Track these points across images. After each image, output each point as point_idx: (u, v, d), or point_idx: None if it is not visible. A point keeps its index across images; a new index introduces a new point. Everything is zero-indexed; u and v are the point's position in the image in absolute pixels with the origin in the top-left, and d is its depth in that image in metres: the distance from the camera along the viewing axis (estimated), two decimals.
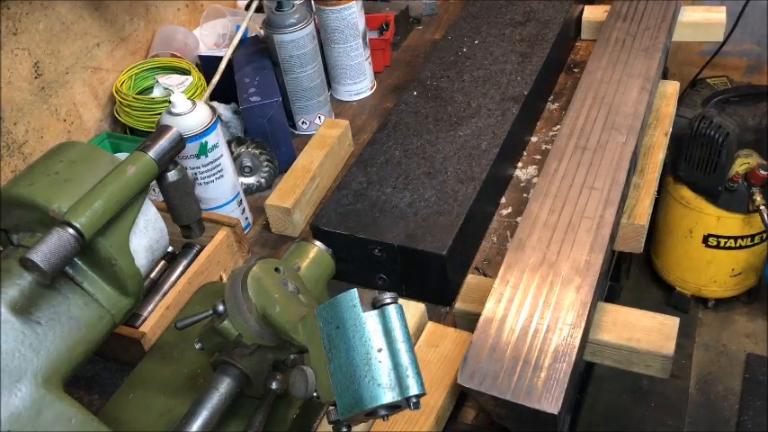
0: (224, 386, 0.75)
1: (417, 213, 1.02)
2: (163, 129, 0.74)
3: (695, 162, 1.93)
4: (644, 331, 0.89)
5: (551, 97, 1.39)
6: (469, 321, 0.93)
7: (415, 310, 0.95)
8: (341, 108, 1.45)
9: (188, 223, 0.80)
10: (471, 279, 0.99)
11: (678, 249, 2.17)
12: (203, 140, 1.05)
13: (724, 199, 1.95)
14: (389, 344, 0.62)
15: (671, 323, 0.90)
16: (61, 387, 0.65)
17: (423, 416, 0.83)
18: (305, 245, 0.88)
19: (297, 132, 1.39)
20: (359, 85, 1.45)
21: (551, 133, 1.30)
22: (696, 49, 2.23)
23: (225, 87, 1.31)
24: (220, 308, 0.72)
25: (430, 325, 0.95)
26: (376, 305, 0.63)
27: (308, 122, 1.38)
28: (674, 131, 1.29)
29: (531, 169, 1.23)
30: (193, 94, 1.31)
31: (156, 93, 1.36)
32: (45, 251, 0.61)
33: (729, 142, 1.84)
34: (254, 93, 1.27)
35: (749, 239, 2.04)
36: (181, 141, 0.74)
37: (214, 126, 1.07)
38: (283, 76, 1.33)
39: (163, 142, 0.72)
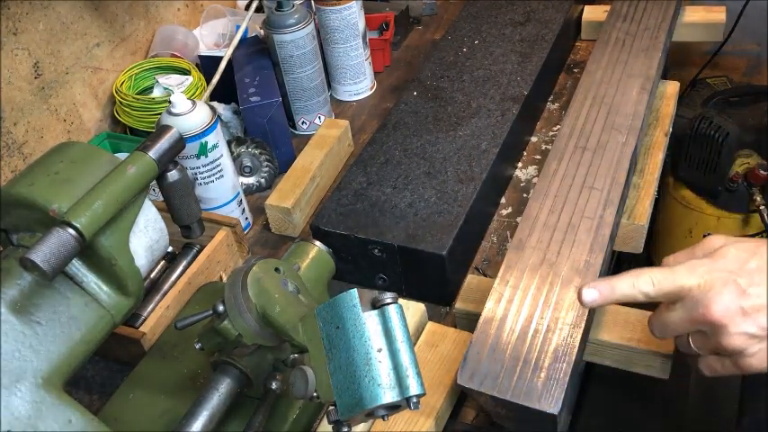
0: (224, 386, 0.75)
1: (417, 213, 1.02)
2: (163, 129, 0.74)
3: (695, 162, 1.93)
4: (644, 331, 0.89)
5: (551, 97, 1.39)
6: (469, 321, 0.93)
7: (415, 310, 0.95)
8: (341, 108, 1.45)
9: (188, 223, 0.80)
10: (471, 279, 0.99)
11: (678, 249, 2.16)
12: (203, 140, 1.05)
13: (724, 199, 1.95)
14: (389, 344, 0.62)
15: None
16: (61, 387, 0.65)
17: (422, 416, 0.83)
18: (305, 245, 0.88)
19: (297, 132, 1.39)
20: (359, 85, 1.45)
21: (551, 133, 1.30)
22: (696, 49, 2.22)
23: (225, 87, 1.31)
24: (220, 308, 0.72)
25: (430, 325, 0.95)
26: (376, 305, 0.63)
27: (307, 122, 1.38)
28: (674, 131, 1.28)
29: (531, 169, 1.23)
30: (193, 94, 1.31)
31: (156, 93, 1.36)
32: (45, 251, 0.61)
33: (729, 142, 1.84)
34: (254, 93, 1.27)
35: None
36: (181, 141, 0.74)
37: (214, 126, 1.07)
38: (283, 76, 1.33)
39: (163, 142, 0.72)
